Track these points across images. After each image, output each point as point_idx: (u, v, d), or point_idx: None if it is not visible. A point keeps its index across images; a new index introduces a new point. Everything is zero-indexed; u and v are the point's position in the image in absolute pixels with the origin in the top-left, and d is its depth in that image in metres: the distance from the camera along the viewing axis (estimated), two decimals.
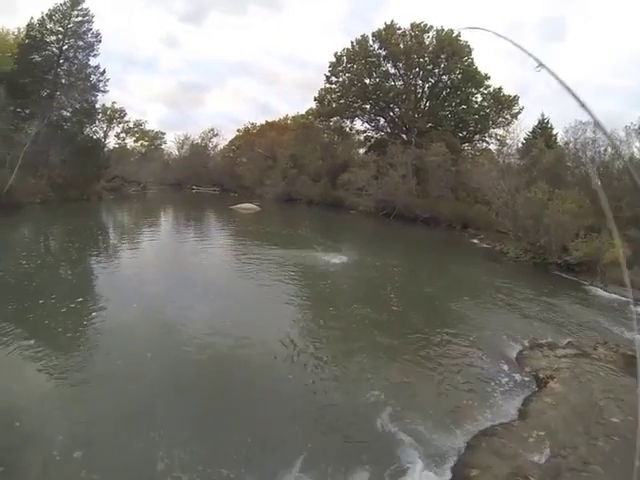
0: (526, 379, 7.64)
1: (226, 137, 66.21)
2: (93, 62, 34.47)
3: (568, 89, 2.37)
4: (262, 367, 7.33)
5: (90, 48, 34.02)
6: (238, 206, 35.17)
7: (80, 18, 33.24)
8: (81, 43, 33.69)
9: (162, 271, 13.80)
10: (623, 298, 14.79)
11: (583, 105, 2.29)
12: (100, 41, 34.11)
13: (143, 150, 53.61)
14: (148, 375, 6.72)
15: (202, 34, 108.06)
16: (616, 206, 22.00)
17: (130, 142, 49.99)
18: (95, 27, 33.80)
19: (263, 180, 47.84)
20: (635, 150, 25.66)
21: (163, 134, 56.71)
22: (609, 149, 24.70)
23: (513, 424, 6.09)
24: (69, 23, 32.93)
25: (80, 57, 34.05)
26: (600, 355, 8.75)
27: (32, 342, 7.36)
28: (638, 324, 8.85)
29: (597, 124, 2.50)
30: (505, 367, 8.10)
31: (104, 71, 34.81)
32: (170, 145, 62.73)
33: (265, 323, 9.44)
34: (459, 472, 5.08)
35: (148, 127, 52.19)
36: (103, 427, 5.33)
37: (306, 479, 4.76)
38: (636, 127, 25.14)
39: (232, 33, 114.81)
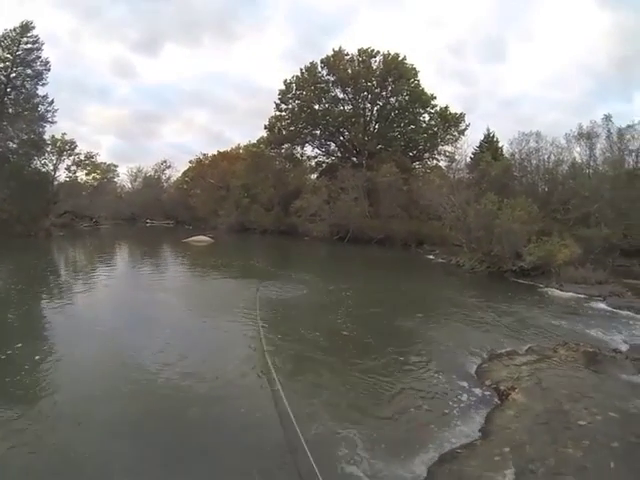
0: (487, 393, 6.98)
1: (179, 169, 65.99)
2: (41, 91, 33.33)
3: None
4: (212, 401, 6.48)
5: (39, 77, 32.82)
6: (191, 239, 34.01)
7: (29, 45, 32.20)
8: (29, 71, 32.49)
9: (112, 310, 12.41)
10: (579, 295, 14.93)
11: None
12: (49, 69, 33.05)
13: (95, 183, 51.62)
14: (95, 417, 5.81)
15: (156, 64, 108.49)
16: (563, 208, 22.52)
17: (81, 175, 47.93)
18: (44, 55, 32.80)
19: (217, 211, 47.11)
20: (576, 155, 26.59)
21: (115, 167, 54.97)
22: (552, 156, 25.52)
23: (476, 443, 5.43)
24: (18, 50, 31.77)
25: (28, 86, 32.83)
26: (561, 357, 8.26)
27: None
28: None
29: None
30: (464, 383, 7.37)
31: (52, 101, 33.62)
32: (123, 178, 61.49)
33: (215, 355, 8.61)
34: None
35: (100, 159, 50.31)
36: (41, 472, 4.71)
37: None
38: (575, 134, 26.08)
39: (186, 62, 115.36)
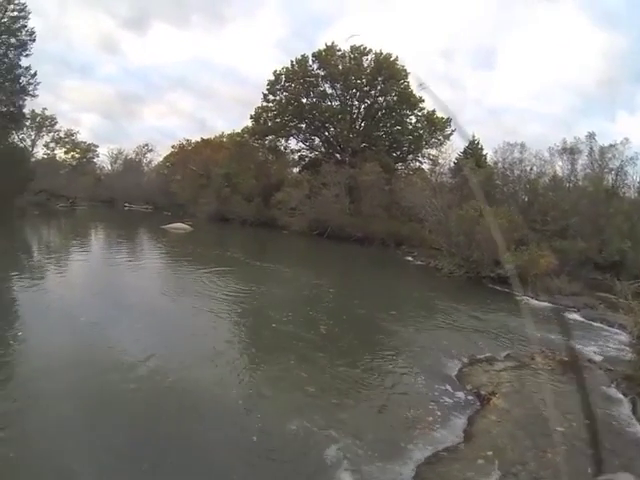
0: (469, 397, 7.17)
1: (161, 153, 64.68)
2: (24, 62, 31.97)
3: (445, 107, 3.08)
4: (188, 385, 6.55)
5: (23, 47, 31.42)
6: (170, 225, 33.51)
7: (15, 13, 30.62)
8: (13, 40, 30.97)
9: (86, 295, 11.95)
10: (555, 305, 15.27)
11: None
12: (34, 40, 31.69)
13: (74, 163, 50.30)
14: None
15: (143, 43, 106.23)
16: (542, 220, 23.15)
17: (60, 153, 46.77)
18: (30, 24, 31.34)
19: (197, 199, 46.27)
20: (558, 168, 27.35)
21: (96, 147, 54.05)
22: (534, 168, 26.19)
23: (459, 447, 5.56)
24: (3, 17, 30.21)
25: (11, 56, 31.36)
26: (538, 364, 8.54)
27: None
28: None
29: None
30: (445, 386, 7.54)
31: (35, 73, 32.43)
32: (103, 159, 59.98)
33: (190, 348, 8.43)
34: None
35: (80, 138, 49.19)
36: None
37: None
38: (559, 148, 26.83)
39: (174, 44, 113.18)
